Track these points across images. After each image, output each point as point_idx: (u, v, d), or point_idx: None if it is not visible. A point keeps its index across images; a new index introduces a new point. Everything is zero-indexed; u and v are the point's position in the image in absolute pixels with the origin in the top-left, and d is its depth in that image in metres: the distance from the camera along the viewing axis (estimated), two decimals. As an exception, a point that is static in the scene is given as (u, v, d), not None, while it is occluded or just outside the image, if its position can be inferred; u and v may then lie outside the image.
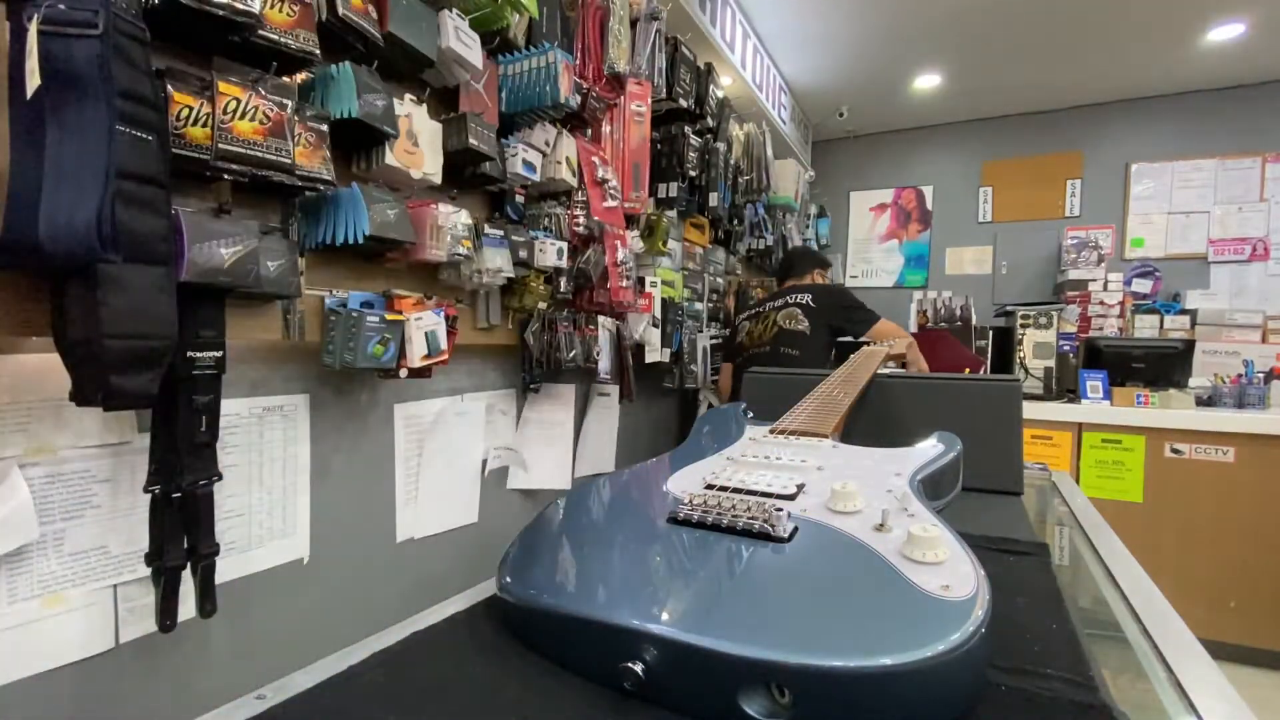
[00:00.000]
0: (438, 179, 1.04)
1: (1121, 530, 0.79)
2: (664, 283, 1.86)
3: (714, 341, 2.29)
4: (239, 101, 0.72)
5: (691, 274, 2.21)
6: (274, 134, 0.75)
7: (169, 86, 0.67)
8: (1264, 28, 2.57)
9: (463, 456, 1.29)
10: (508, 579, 0.49)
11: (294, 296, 0.85)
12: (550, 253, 1.27)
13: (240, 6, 0.69)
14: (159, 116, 0.63)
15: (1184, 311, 3.00)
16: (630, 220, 1.66)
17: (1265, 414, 2.27)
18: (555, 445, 1.57)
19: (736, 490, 0.56)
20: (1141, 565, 0.66)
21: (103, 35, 0.52)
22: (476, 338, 1.25)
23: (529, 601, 0.45)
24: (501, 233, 1.16)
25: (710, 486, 0.57)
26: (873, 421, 0.98)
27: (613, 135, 1.53)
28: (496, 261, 1.14)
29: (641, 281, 1.71)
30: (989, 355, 2.82)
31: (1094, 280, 3.09)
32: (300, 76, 0.86)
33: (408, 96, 0.99)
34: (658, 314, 1.80)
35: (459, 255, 1.05)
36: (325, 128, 0.84)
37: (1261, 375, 2.44)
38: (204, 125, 0.70)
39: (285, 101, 0.77)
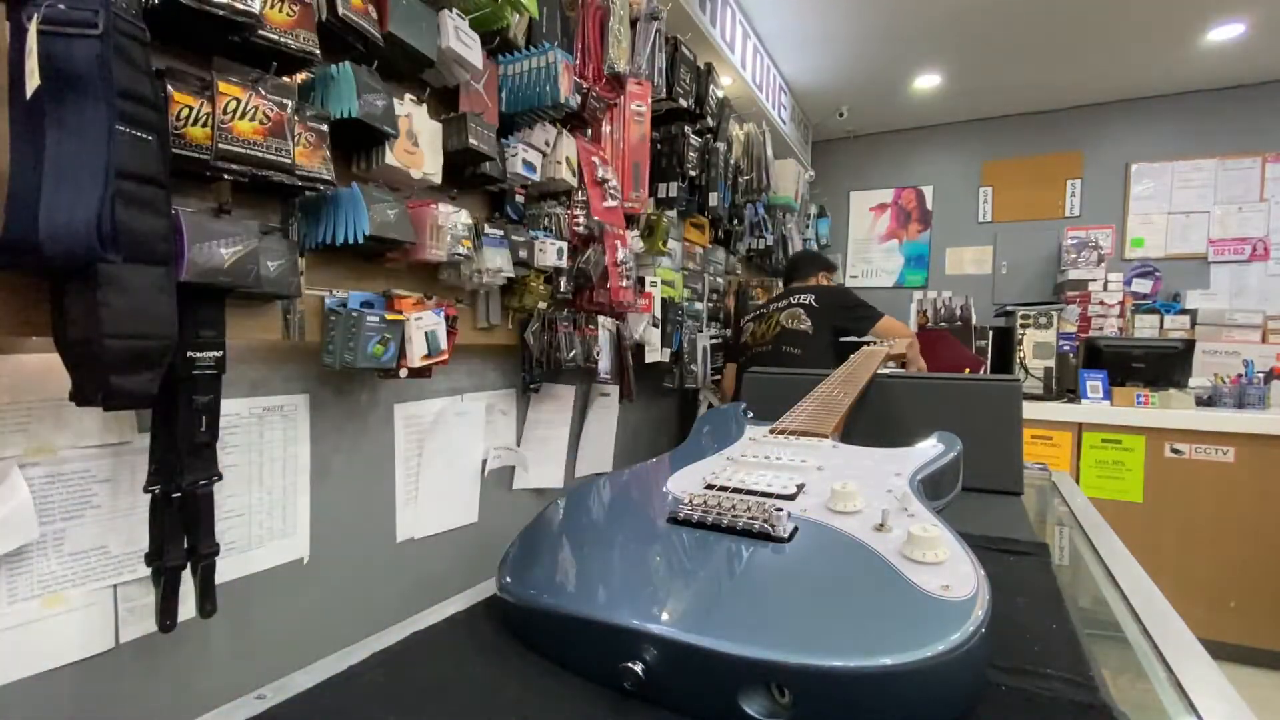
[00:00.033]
0: (438, 179, 1.04)
1: (1121, 530, 0.79)
2: (664, 283, 1.86)
3: (714, 341, 2.29)
4: (239, 101, 0.72)
5: (691, 274, 2.21)
6: (274, 134, 0.75)
7: (169, 86, 0.67)
8: (1264, 28, 2.57)
9: (463, 456, 1.29)
10: (508, 579, 0.49)
11: (294, 296, 0.85)
12: (550, 253, 1.27)
13: (240, 6, 0.69)
14: (159, 116, 0.63)
15: (1184, 311, 3.00)
16: (630, 220, 1.66)
17: (1265, 414, 2.28)
18: (555, 445, 1.57)
19: (736, 490, 0.56)
20: (1141, 565, 0.66)
21: (103, 35, 0.52)
22: (476, 338, 1.25)
23: (529, 601, 0.45)
24: (501, 233, 1.16)
25: (710, 486, 0.57)
26: (873, 421, 0.98)
27: (613, 135, 1.53)
28: (496, 261, 1.14)
29: (641, 281, 1.71)
30: (989, 355, 2.82)
31: (1094, 280, 3.09)
32: (300, 76, 0.86)
33: (408, 96, 0.99)
34: (658, 314, 1.80)
35: (459, 255, 1.05)
36: (325, 128, 0.84)
37: (1261, 375, 2.44)
38: (204, 125, 0.70)
39: (285, 101, 0.77)
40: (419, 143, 1.00)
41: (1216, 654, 0.45)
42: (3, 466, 0.66)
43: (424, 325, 1.00)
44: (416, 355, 0.99)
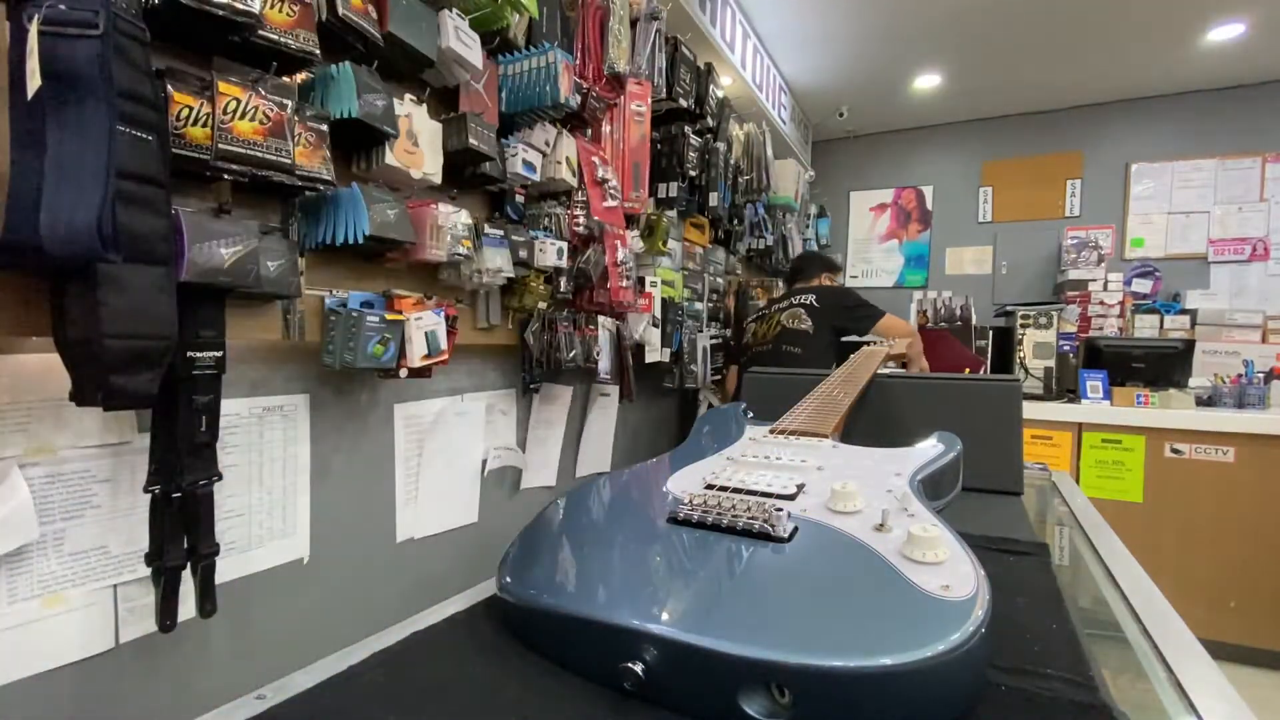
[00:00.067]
0: (438, 179, 1.04)
1: (1121, 530, 0.79)
2: (664, 283, 1.86)
3: (714, 341, 2.29)
4: (239, 101, 0.72)
5: (691, 274, 2.21)
6: (274, 134, 0.75)
7: (169, 86, 0.67)
8: (1264, 28, 2.57)
9: (463, 456, 1.29)
10: (508, 579, 0.49)
11: (294, 296, 0.85)
12: (550, 253, 1.27)
13: (240, 6, 0.69)
14: (159, 116, 0.63)
15: (1184, 311, 3.00)
16: (630, 220, 1.66)
17: (1265, 414, 2.27)
18: (555, 445, 1.57)
19: (736, 490, 0.56)
20: (1141, 565, 0.66)
21: (103, 35, 0.52)
22: (476, 338, 1.25)
23: (529, 601, 0.45)
24: (501, 233, 1.16)
25: (710, 486, 0.57)
26: (873, 421, 0.98)
27: (613, 135, 1.53)
28: (496, 261, 1.14)
29: (641, 281, 1.71)
30: (989, 355, 2.82)
31: (1094, 280, 3.09)
32: (300, 76, 0.86)
33: (408, 96, 0.99)
34: (658, 314, 1.80)
35: (459, 255, 1.05)
36: (325, 128, 0.84)
37: (1261, 375, 2.44)
38: (204, 125, 0.70)
39: (285, 101, 0.77)
40: (419, 143, 1.00)
41: (1216, 654, 0.45)
42: (3, 466, 0.66)
43: (424, 325, 1.00)
44: (416, 355, 0.99)
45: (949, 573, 0.40)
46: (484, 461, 1.35)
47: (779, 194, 2.78)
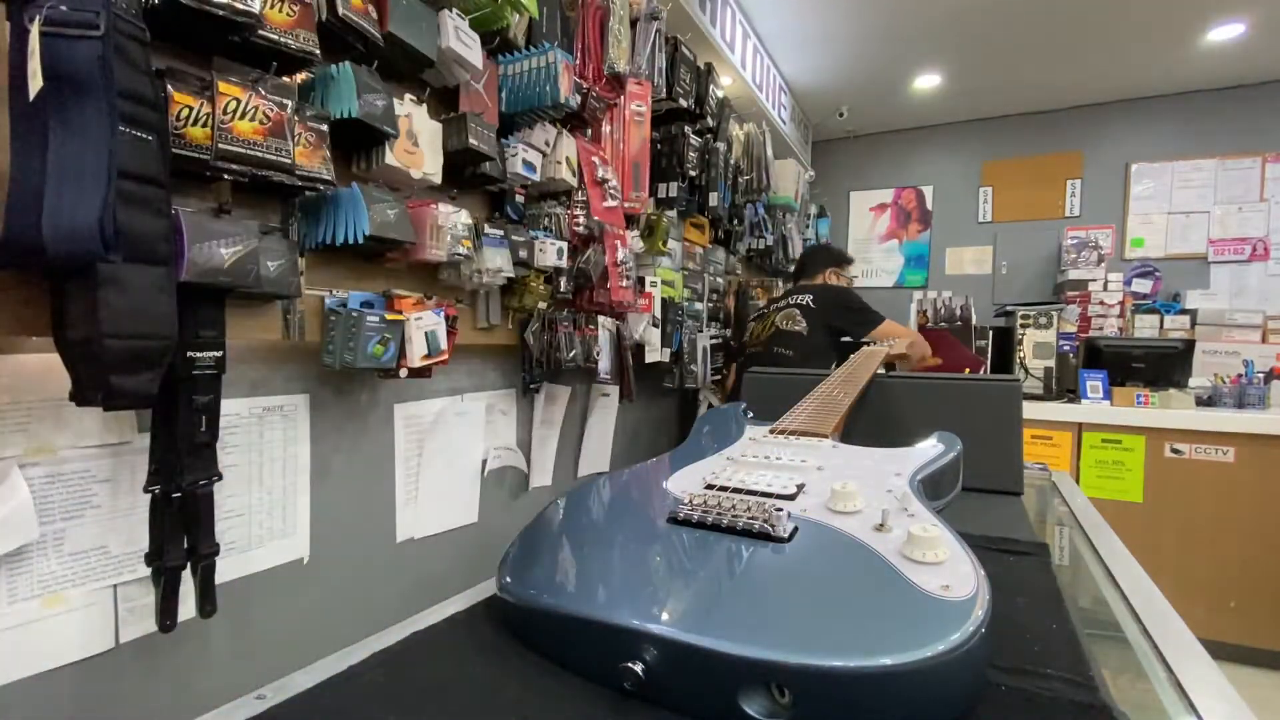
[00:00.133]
0: (438, 179, 1.04)
1: (1121, 530, 0.79)
2: (664, 283, 1.86)
3: (714, 341, 2.29)
4: (239, 101, 0.72)
5: (691, 274, 2.21)
6: (274, 134, 0.75)
7: (169, 86, 0.67)
8: (1264, 28, 2.57)
9: (463, 456, 1.29)
10: (508, 579, 0.49)
11: (294, 296, 0.85)
12: (550, 253, 1.27)
13: (240, 6, 0.69)
14: (159, 116, 0.63)
15: (1184, 311, 3.00)
16: (630, 220, 1.66)
17: (1265, 414, 2.27)
18: (555, 445, 1.57)
19: (736, 490, 0.56)
20: (1141, 565, 0.66)
21: (104, 36, 0.52)
22: (476, 338, 1.25)
23: (529, 601, 0.45)
24: (501, 233, 1.17)
25: (710, 486, 0.57)
26: (873, 421, 0.98)
27: (613, 135, 1.53)
28: (496, 261, 1.14)
29: (641, 281, 1.71)
30: (989, 355, 2.82)
31: (1094, 280, 3.09)
32: (300, 76, 0.86)
33: (408, 96, 0.99)
34: (658, 314, 1.80)
35: (459, 255, 1.05)
36: (325, 128, 0.84)
37: (1261, 375, 2.44)
38: (204, 125, 0.70)
39: (285, 101, 0.77)
40: (419, 143, 1.00)
41: (1216, 654, 0.45)
42: (3, 466, 0.66)
43: (424, 325, 1.00)
44: (416, 355, 0.99)
45: (949, 573, 0.40)
46: (484, 461, 1.35)
47: (779, 194, 2.78)
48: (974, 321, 2.92)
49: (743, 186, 2.37)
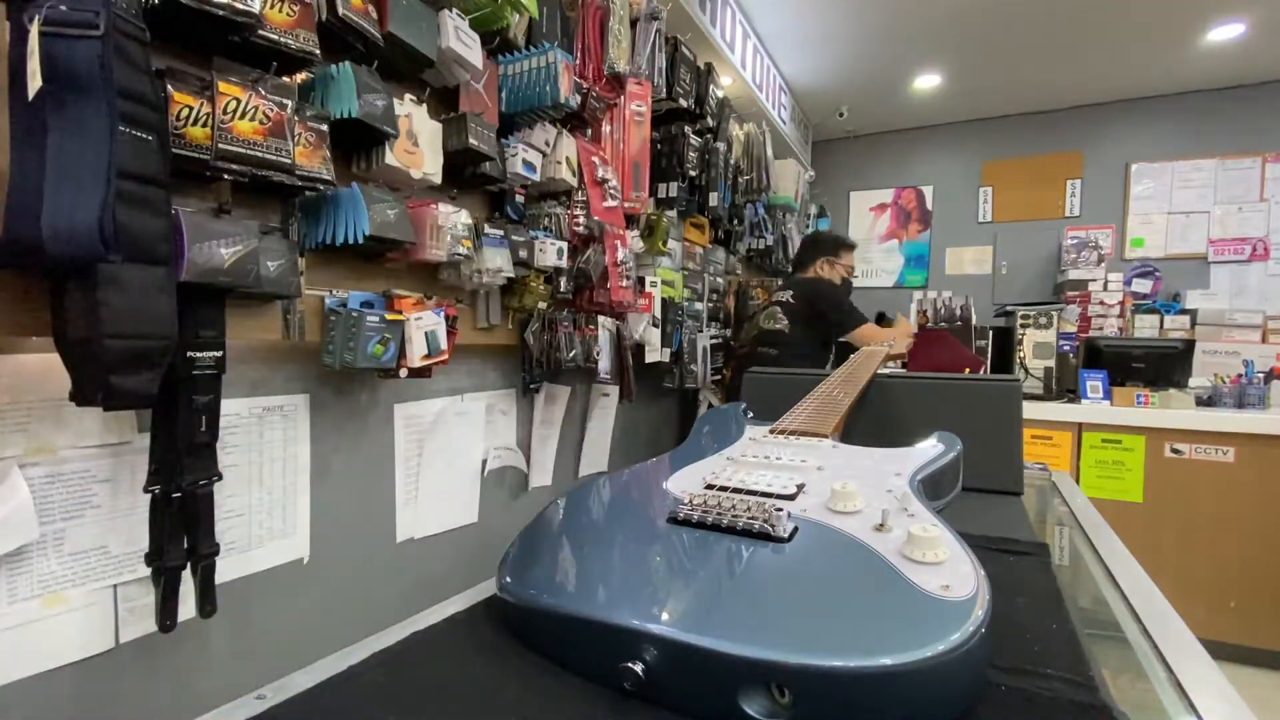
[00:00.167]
0: (438, 179, 1.04)
1: (1121, 530, 0.79)
2: (664, 283, 1.86)
3: (714, 341, 2.29)
4: (239, 101, 0.72)
5: (691, 274, 2.21)
6: (274, 134, 0.75)
7: (169, 86, 0.67)
8: (1264, 28, 2.57)
9: (463, 456, 1.29)
10: (508, 579, 0.49)
11: (294, 296, 0.85)
12: (550, 253, 1.27)
13: (240, 6, 0.69)
14: (159, 116, 0.63)
15: (1184, 311, 3.00)
16: (630, 220, 1.66)
17: (1265, 414, 2.27)
18: (555, 445, 1.57)
19: (736, 490, 0.56)
20: (1141, 565, 0.66)
21: (103, 36, 0.52)
22: (476, 338, 1.25)
23: (529, 601, 0.45)
24: (501, 233, 1.17)
25: (710, 486, 0.57)
26: (873, 421, 0.98)
27: (613, 135, 1.53)
28: (496, 261, 1.15)
29: (641, 281, 1.71)
30: (989, 355, 2.82)
31: (1094, 280, 3.09)
32: (300, 76, 0.86)
33: (408, 96, 0.99)
34: (658, 314, 1.80)
35: (459, 255, 1.05)
36: (325, 128, 0.84)
37: (1261, 375, 2.44)
38: (204, 125, 0.70)
39: (285, 101, 0.77)
40: (419, 143, 1.00)
41: (1216, 654, 0.45)
42: (3, 466, 0.66)
43: (424, 325, 1.00)
44: (416, 355, 0.99)
45: (949, 573, 0.40)
46: (484, 461, 1.35)
47: (779, 194, 2.78)
48: (974, 321, 2.92)
49: (743, 186, 2.37)
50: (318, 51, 0.81)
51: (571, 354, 1.38)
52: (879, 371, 1.03)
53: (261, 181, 0.76)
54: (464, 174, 1.11)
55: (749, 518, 0.48)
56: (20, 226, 0.53)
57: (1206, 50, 2.76)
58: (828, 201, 3.91)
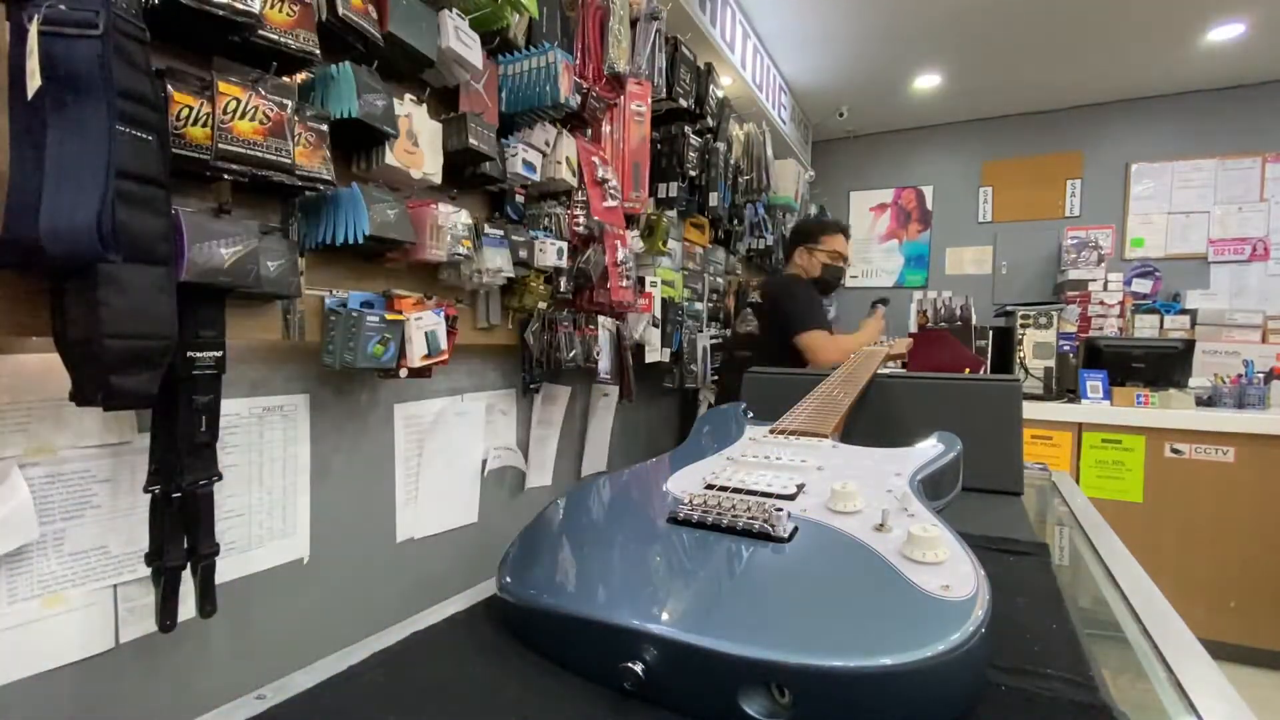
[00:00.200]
0: (438, 179, 1.04)
1: (1121, 530, 0.79)
2: (664, 283, 1.86)
3: (714, 341, 2.29)
4: (239, 101, 0.72)
5: (691, 274, 2.21)
6: (274, 134, 0.75)
7: (169, 86, 0.67)
8: (1264, 28, 2.57)
9: (463, 456, 1.29)
10: (508, 579, 0.49)
11: (294, 296, 0.85)
12: (550, 253, 1.27)
13: (240, 6, 0.69)
14: (159, 116, 0.63)
15: (1184, 311, 3.00)
16: (630, 220, 1.66)
17: (1265, 414, 2.27)
18: (555, 445, 1.57)
19: (736, 490, 0.56)
20: (1141, 565, 0.66)
21: (103, 35, 0.52)
22: (476, 338, 1.25)
23: (529, 601, 0.45)
24: (501, 233, 1.17)
25: (710, 486, 0.57)
26: (873, 421, 0.98)
27: (613, 135, 1.53)
28: (496, 261, 1.14)
29: (641, 281, 1.71)
30: (989, 355, 2.82)
31: (1094, 280, 3.09)
32: (300, 76, 0.86)
33: (408, 96, 0.99)
34: (658, 314, 1.80)
35: (459, 255, 1.05)
36: (325, 128, 0.84)
37: (1261, 375, 2.44)
38: (204, 125, 0.70)
39: (285, 101, 0.77)
40: (419, 143, 1.00)
41: (1216, 654, 0.45)
42: (3, 466, 0.66)
43: (424, 325, 1.00)
44: (416, 355, 0.99)
45: (949, 573, 0.40)
46: (484, 461, 1.35)
47: (779, 194, 2.78)
48: (974, 321, 2.92)
49: (743, 186, 2.37)
50: (318, 51, 0.81)
51: (571, 354, 1.38)
52: (879, 371, 1.03)
53: (261, 181, 0.76)
54: (464, 174, 1.11)
55: (749, 518, 0.48)
56: (20, 226, 0.53)
57: (1206, 50, 2.76)
58: (828, 201, 3.91)
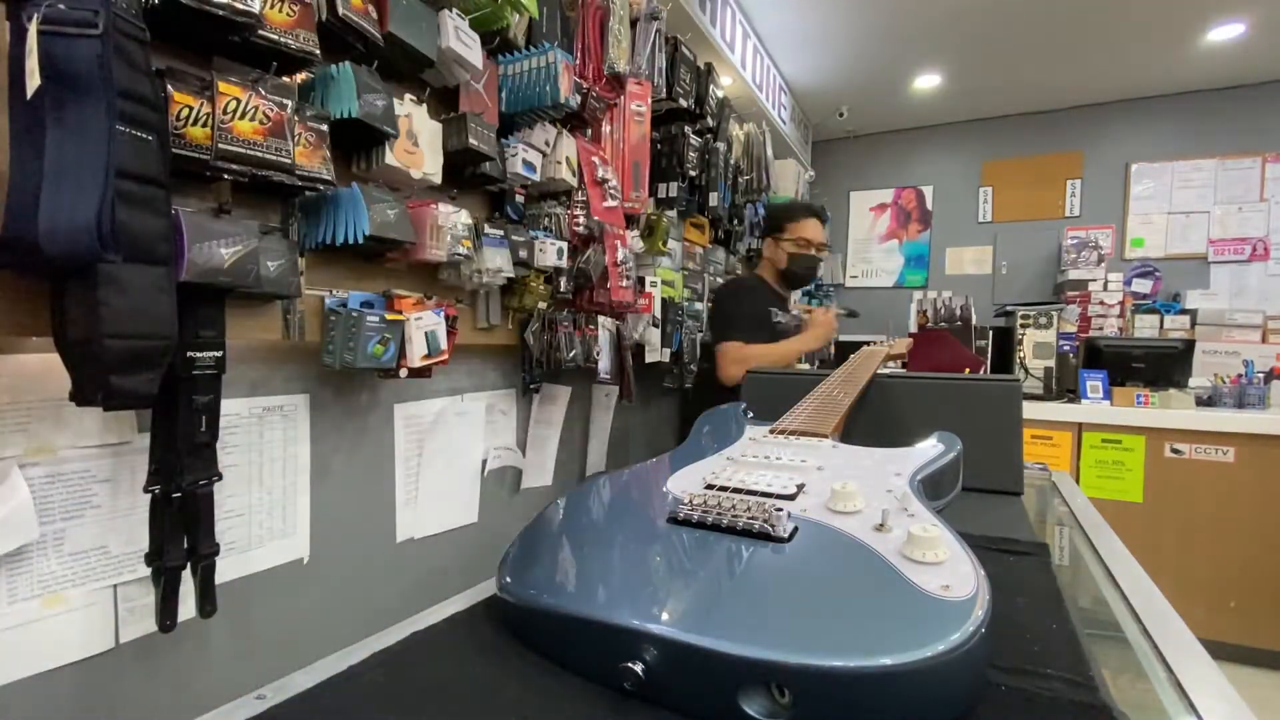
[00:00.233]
0: (438, 179, 1.04)
1: (1121, 530, 0.79)
2: (664, 283, 1.86)
3: (714, 341, 2.29)
4: (239, 101, 0.72)
5: (691, 274, 2.21)
6: (274, 134, 0.75)
7: (169, 86, 0.67)
8: (1264, 28, 2.57)
9: (463, 456, 1.29)
10: (508, 579, 0.49)
11: (294, 296, 0.85)
12: (550, 253, 1.27)
13: (240, 6, 0.69)
14: (159, 116, 0.63)
15: (1184, 311, 3.00)
16: (630, 220, 1.66)
17: (1265, 414, 2.27)
18: (555, 445, 1.57)
19: (736, 490, 0.56)
20: (1141, 565, 0.66)
21: (103, 35, 0.52)
22: (476, 338, 1.25)
23: (529, 601, 0.45)
24: (501, 233, 1.17)
25: (710, 486, 0.57)
26: (873, 421, 0.98)
27: (613, 135, 1.53)
28: (496, 261, 1.14)
29: (641, 281, 1.71)
30: (989, 355, 2.82)
31: (1094, 280, 3.09)
32: (300, 76, 0.86)
33: (408, 96, 0.99)
34: (658, 314, 1.80)
35: (459, 255, 1.05)
36: (325, 128, 0.84)
37: (1261, 375, 2.44)
38: (204, 125, 0.70)
39: (285, 101, 0.77)
40: (419, 143, 1.00)
41: (1216, 654, 0.45)
42: (3, 466, 0.66)
43: (424, 325, 1.00)
44: (416, 355, 0.99)
45: (949, 573, 0.40)
46: (484, 461, 1.35)
47: (779, 194, 2.78)
48: (974, 321, 2.92)
49: (743, 186, 2.37)
50: (318, 51, 0.81)
51: (571, 354, 1.38)
52: (879, 371, 1.03)
53: (261, 181, 0.76)
54: (464, 174, 1.11)
55: (749, 518, 0.48)
56: (19, 226, 0.53)
57: (1206, 50, 2.76)
58: (828, 201, 3.90)
